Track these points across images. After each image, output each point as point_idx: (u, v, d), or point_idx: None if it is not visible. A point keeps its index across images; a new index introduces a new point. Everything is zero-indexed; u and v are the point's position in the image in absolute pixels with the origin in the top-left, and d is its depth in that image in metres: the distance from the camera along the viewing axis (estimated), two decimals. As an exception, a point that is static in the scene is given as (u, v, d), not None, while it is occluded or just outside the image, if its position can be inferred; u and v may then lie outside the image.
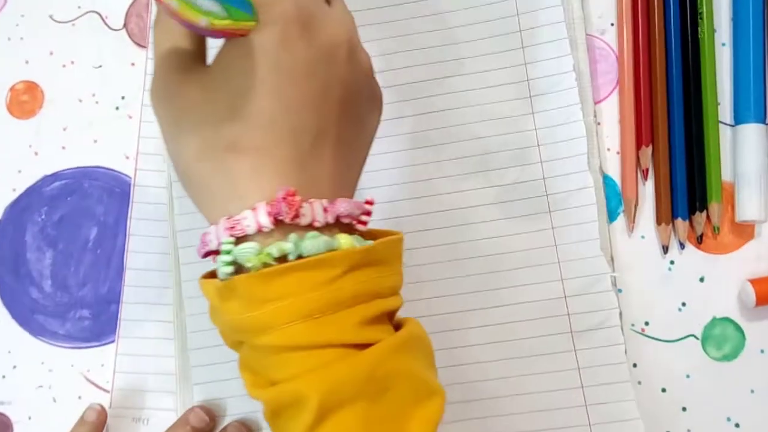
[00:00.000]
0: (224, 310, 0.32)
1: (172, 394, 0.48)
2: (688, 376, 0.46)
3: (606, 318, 0.46)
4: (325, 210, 0.32)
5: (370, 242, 0.33)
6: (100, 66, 0.53)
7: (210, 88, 0.33)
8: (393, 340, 0.32)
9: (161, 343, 0.49)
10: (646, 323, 0.47)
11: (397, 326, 0.34)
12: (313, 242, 0.31)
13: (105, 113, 0.53)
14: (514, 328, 0.47)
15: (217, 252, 0.32)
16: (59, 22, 0.54)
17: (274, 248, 0.31)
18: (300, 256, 0.31)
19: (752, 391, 0.46)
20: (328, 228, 0.32)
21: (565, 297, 0.47)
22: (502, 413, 0.46)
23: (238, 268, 0.31)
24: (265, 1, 0.32)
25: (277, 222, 0.31)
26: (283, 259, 0.31)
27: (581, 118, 0.48)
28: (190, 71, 0.33)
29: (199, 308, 0.48)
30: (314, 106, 0.33)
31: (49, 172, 0.52)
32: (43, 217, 0.52)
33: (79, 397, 0.49)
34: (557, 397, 0.46)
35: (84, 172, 0.52)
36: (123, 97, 0.53)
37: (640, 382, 0.46)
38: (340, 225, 0.33)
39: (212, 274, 0.34)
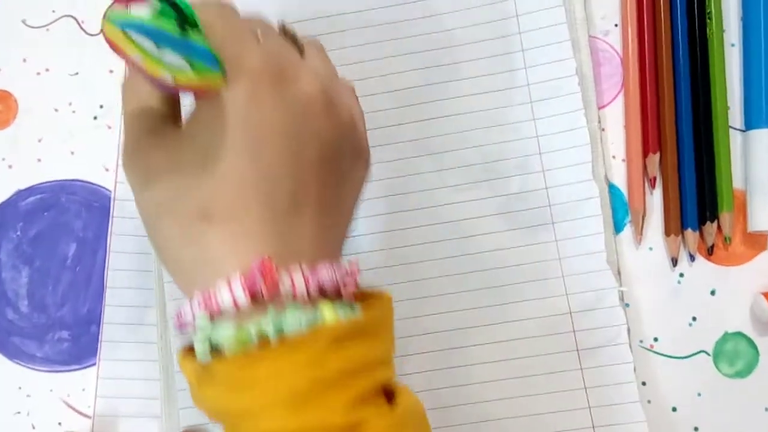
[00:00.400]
0: (204, 396, 0.30)
1: (157, 419, 0.46)
2: (699, 394, 0.44)
3: (614, 335, 0.44)
4: (306, 280, 0.30)
5: (357, 310, 0.30)
6: (77, 73, 0.51)
7: (179, 151, 0.31)
8: (385, 422, 0.29)
9: (145, 366, 0.46)
10: (655, 339, 0.45)
11: (389, 393, 0.31)
12: (294, 317, 0.29)
13: (82, 123, 0.50)
14: (517, 346, 0.45)
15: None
16: (32, 27, 0.51)
17: (252, 327, 0.28)
18: (281, 331, 0.29)
19: (766, 410, 0.44)
20: (310, 296, 0.30)
21: (571, 313, 0.45)
22: None
23: (217, 345, 0.29)
24: (232, 54, 0.30)
25: (254, 294, 0.29)
26: (262, 336, 0.29)
27: (585, 125, 0.46)
28: (161, 134, 0.32)
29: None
30: (290, 165, 0.30)
31: (23, 186, 0.50)
32: (19, 233, 0.49)
33: (59, 424, 0.46)
34: (563, 418, 0.44)
35: (61, 185, 0.49)
36: (101, 106, 0.50)
37: (649, 401, 0.44)
38: (324, 291, 0.31)
39: (191, 348, 0.31)
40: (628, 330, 0.44)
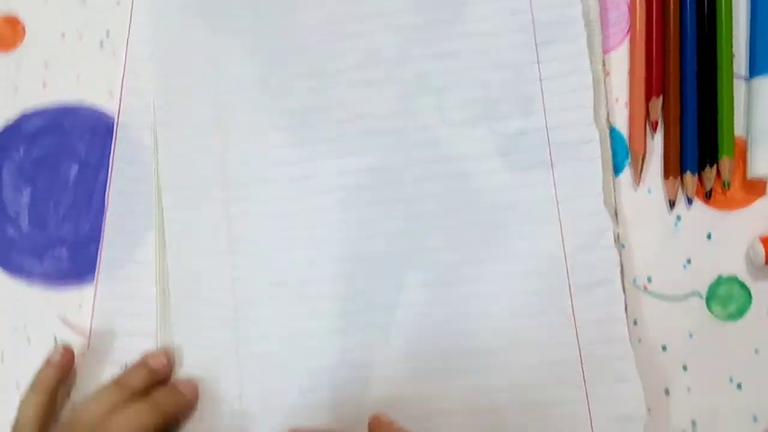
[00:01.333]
0: None
1: (152, 338, 0.46)
2: (690, 335, 0.45)
3: (607, 275, 0.44)
4: None
5: None
6: (85, 1, 0.51)
7: None
8: None
9: (142, 286, 0.47)
10: (649, 280, 0.45)
11: None
12: None
13: (89, 49, 0.50)
14: (511, 283, 0.45)
15: None
16: (43, -49, 0.51)
17: None
18: None
19: (756, 352, 0.44)
20: None
21: (565, 252, 0.45)
22: (497, 366, 0.44)
23: None
24: None
25: None
26: None
27: (588, 68, 0.46)
28: None
29: (182, 251, 0.47)
30: None
31: (28, 109, 0.50)
32: (22, 154, 0.49)
33: (55, 339, 0.47)
34: (553, 353, 0.44)
35: (65, 109, 0.50)
36: (108, 33, 0.50)
37: (640, 340, 0.45)
38: None
39: None
40: (622, 270, 0.44)
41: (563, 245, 0.45)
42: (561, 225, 0.45)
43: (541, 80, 0.47)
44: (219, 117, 0.48)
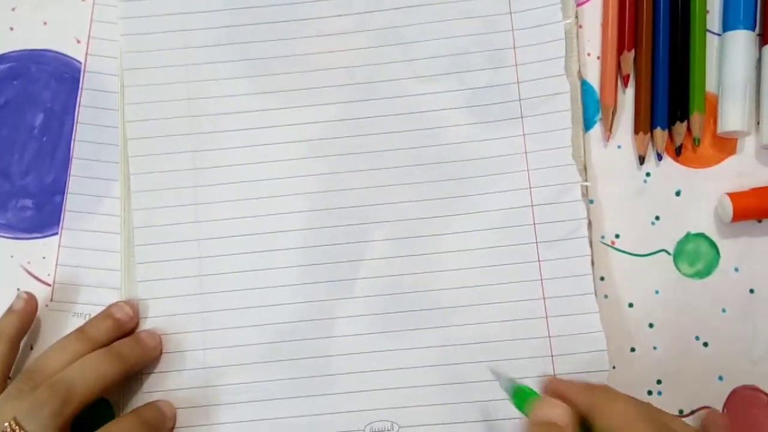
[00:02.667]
0: None
1: (116, 290, 0.46)
2: (657, 292, 0.44)
3: (574, 228, 0.44)
4: None
5: None
6: (54, -55, 0.50)
7: None
8: None
9: (106, 238, 0.46)
10: (617, 236, 0.45)
11: None
12: None
13: (57, -6, 0.49)
14: (479, 237, 0.45)
15: None
16: None
17: None
18: None
19: (724, 310, 0.44)
20: None
21: (533, 206, 0.44)
22: (463, 323, 0.44)
23: None
24: None
25: None
26: None
27: (561, 20, 0.46)
28: None
29: (147, 203, 0.46)
30: None
31: (-6, 54, 0.49)
32: (-13, 101, 0.49)
33: (18, 289, 0.46)
34: (519, 307, 0.44)
35: (31, 54, 0.49)
36: (77, -22, 0.49)
37: (606, 296, 0.44)
38: None
39: None
40: (589, 224, 0.44)
41: (531, 198, 0.44)
42: (529, 178, 0.45)
43: (513, 31, 0.46)
44: (186, 64, 0.47)
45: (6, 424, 0.39)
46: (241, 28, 0.47)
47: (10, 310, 0.44)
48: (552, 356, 0.43)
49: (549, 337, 0.43)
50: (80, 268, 0.46)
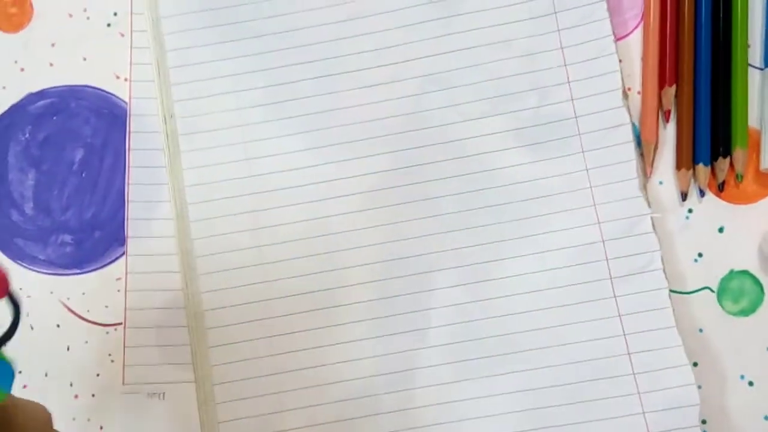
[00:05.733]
0: None
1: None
2: (701, 330, 0.44)
3: (648, 261, 0.43)
4: None
5: None
6: (93, -20, 0.50)
7: None
8: None
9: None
10: (660, 273, 0.44)
11: None
12: None
13: (96, 30, 0.50)
14: (550, 277, 0.44)
15: None
16: (51, -69, 0.51)
17: None
18: None
19: (768, 349, 0.44)
20: None
21: (603, 241, 0.44)
22: (543, 365, 0.43)
23: None
24: None
25: None
26: None
27: (614, 51, 0.45)
28: None
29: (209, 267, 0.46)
30: None
31: (34, 90, 0.49)
32: (27, 136, 0.49)
33: (58, 326, 0.47)
34: (599, 345, 0.43)
35: (71, 90, 0.49)
36: (115, 14, 0.50)
37: (650, 335, 0.44)
38: None
39: None
40: (662, 256, 0.43)
41: (601, 234, 0.44)
42: (597, 213, 0.44)
43: (566, 66, 0.46)
44: (242, 125, 0.47)
45: None
46: (286, 85, 0.47)
47: None
48: (639, 393, 0.43)
49: (634, 374, 0.43)
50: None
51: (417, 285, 0.45)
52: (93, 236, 0.47)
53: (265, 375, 0.45)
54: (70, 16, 0.50)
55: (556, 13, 0.46)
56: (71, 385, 0.46)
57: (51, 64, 0.50)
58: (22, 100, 0.49)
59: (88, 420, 0.46)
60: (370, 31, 0.47)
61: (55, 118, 0.49)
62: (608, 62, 0.45)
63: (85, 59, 0.49)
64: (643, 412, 0.43)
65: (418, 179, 0.46)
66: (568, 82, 0.46)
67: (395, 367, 0.44)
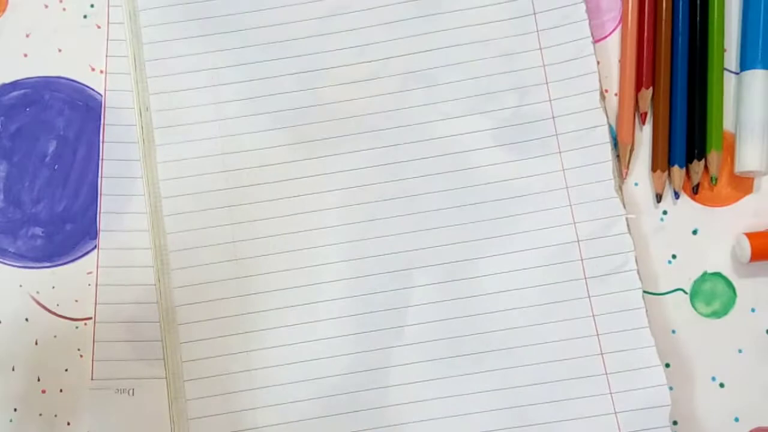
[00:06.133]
0: None
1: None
2: (673, 332, 0.44)
3: (622, 262, 0.44)
4: None
5: None
6: (69, -28, 0.50)
7: None
8: None
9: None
10: (634, 274, 0.44)
11: None
12: None
13: (72, 21, 0.49)
14: (524, 276, 0.44)
15: None
16: None
17: None
18: None
19: (740, 351, 0.44)
20: None
21: (578, 241, 0.44)
22: (517, 365, 0.43)
23: None
24: None
25: None
26: None
27: (593, 53, 0.45)
28: None
29: (184, 262, 0.45)
30: None
31: (8, 80, 0.49)
32: (0, 127, 0.48)
33: (26, 319, 0.46)
34: (573, 345, 0.43)
35: (46, 82, 0.48)
36: (92, 5, 0.49)
37: (623, 335, 0.44)
38: None
39: None
40: (636, 257, 0.44)
41: (576, 233, 0.44)
42: (573, 213, 0.44)
43: (544, 66, 0.46)
44: (218, 120, 0.47)
45: None
46: (265, 81, 0.47)
47: None
48: (611, 393, 0.43)
49: (606, 374, 0.43)
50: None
51: (394, 282, 0.44)
52: (64, 229, 0.47)
53: (237, 372, 0.44)
54: (46, 6, 0.49)
55: (535, 13, 0.46)
56: (39, 379, 0.45)
57: (25, 55, 0.49)
58: (-5, 90, 0.49)
59: (55, 416, 0.45)
60: (351, 28, 0.47)
61: (28, 109, 0.48)
62: (586, 64, 0.45)
63: (60, 51, 0.49)
64: (615, 412, 0.43)
65: (397, 177, 0.45)
66: (547, 82, 0.46)
67: (370, 364, 0.44)
